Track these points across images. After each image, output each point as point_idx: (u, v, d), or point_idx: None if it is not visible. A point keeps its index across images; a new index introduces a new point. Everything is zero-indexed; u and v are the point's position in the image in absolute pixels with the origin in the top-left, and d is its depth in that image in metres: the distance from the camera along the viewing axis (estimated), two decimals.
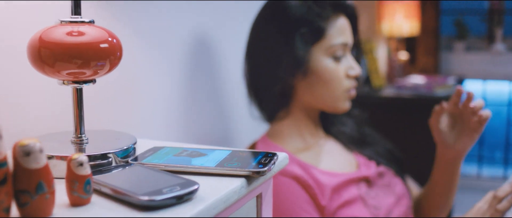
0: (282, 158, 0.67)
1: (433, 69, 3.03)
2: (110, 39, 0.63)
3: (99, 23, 0.67)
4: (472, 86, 3.22)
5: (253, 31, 1.10)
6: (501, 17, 3.07)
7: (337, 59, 1.04)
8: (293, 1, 1.03)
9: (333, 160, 1.10)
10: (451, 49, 3.24)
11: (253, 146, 1.16)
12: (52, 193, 0.45)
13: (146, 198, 0.47)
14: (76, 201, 0.49)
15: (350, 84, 1.07)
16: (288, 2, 1.03)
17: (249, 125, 1.35)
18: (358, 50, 2.52)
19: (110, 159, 0.63)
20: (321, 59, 1.03)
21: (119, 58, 0.65)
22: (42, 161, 0.43)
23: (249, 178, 0.58)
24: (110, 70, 0.65)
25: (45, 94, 0.77)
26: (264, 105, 1.12)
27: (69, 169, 0.48)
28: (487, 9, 3.15)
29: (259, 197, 0.68)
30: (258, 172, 0.58)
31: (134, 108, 0.97)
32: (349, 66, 1.06)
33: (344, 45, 1.05)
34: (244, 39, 1.14)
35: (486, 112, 0.97)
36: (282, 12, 1.03)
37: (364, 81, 2.66)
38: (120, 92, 0.93)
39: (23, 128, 0.74)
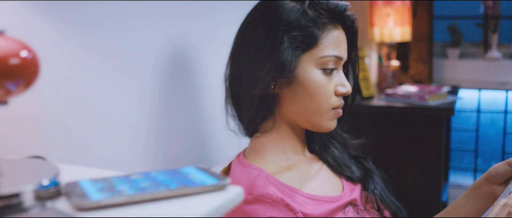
0: (235, 194, 0.57)
1: (426, 77, 2.93)
2: (23, 52, 0.53)
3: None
4: (466, 94, 3.12)
5: (241, 31, 1.01)
6: (496, 22, 2.97)
7: (327, 72, 0.96)
8: (288, 1, 0.96)
9: (319, 183, 1.01)
10: (444, 55, 3.14)
11: (228, 167, 1.05)
12: None
13: None
14: None
15: (338, 102, 0.98)
16: (282, 2, 0.96)
17: (230, 142, 1.24)
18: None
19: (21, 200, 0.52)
20: (309, 69, 0.95)
21: (35, 74, 0.55)
22: None
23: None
24: (24, 89, 0.55)
25: None
26: (244, 114, 1.01)
27: None
28: (482, 14, 3.05)
29: None
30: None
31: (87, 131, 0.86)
32: (340, 82, 0.98)
33: (337, 58, 0.97)
34: (220, 48, 1.04)
35: None
36: (274, 12, 0.96)
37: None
38: (65, 114, 0.82)
39: None
